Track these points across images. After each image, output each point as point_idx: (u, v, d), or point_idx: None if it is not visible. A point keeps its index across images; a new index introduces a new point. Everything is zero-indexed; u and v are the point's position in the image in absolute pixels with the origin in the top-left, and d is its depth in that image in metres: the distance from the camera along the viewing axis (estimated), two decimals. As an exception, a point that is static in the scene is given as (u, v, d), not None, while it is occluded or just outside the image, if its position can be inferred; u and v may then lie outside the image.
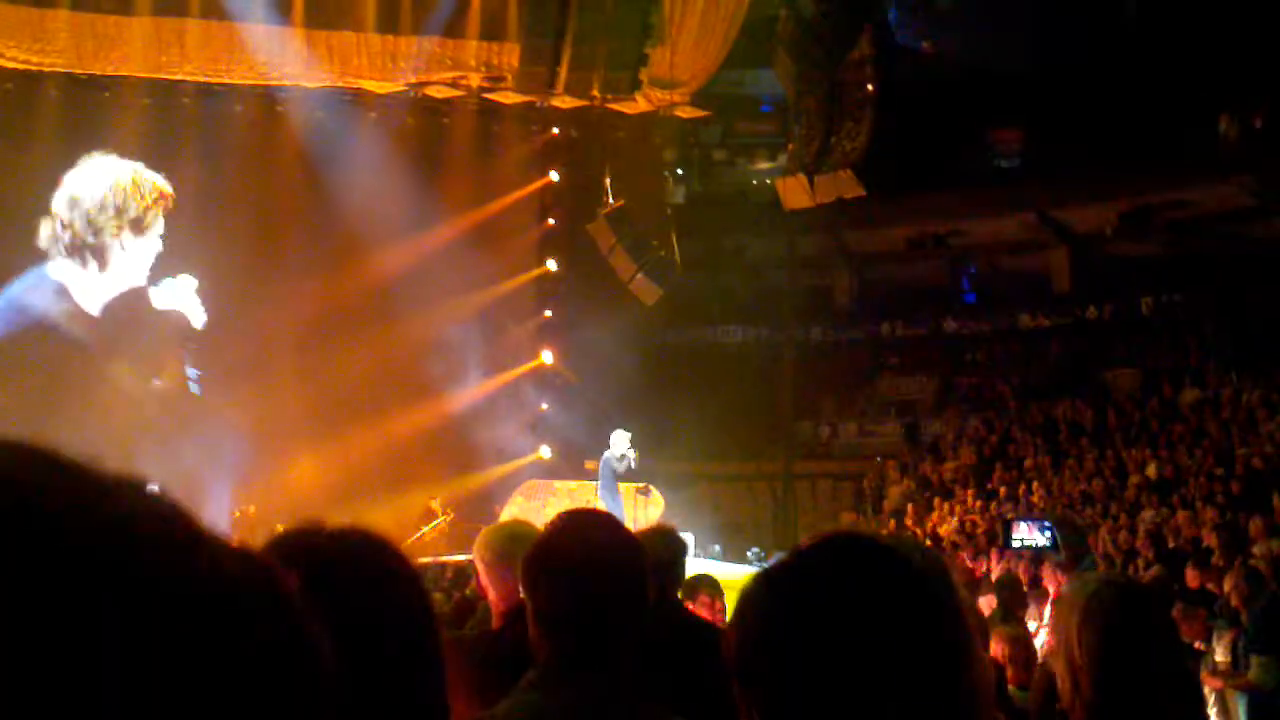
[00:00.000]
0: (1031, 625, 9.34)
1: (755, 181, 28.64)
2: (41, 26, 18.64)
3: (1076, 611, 2.46)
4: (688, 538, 17.53)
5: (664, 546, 4.21)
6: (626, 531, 2.44)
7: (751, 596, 1.40)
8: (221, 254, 17.36)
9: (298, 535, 1.48)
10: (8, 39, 18.70)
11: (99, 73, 19.38)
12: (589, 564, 2.23)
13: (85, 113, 19.17)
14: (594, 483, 19.61)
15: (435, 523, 18.43)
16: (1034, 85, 26.37)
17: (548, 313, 22.81)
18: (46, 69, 19.14)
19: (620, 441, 16.82)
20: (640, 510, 19.17)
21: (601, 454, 16.95)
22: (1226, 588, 7.48)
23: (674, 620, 4.10)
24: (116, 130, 19.33)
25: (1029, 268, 28.28)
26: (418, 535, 17.76)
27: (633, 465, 16.72)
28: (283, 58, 19.57)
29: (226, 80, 19.96)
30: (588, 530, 2.34)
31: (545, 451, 21.85)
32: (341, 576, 1.38)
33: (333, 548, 1.44)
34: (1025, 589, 11.50)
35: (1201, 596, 10.22)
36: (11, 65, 19.04)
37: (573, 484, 19.66)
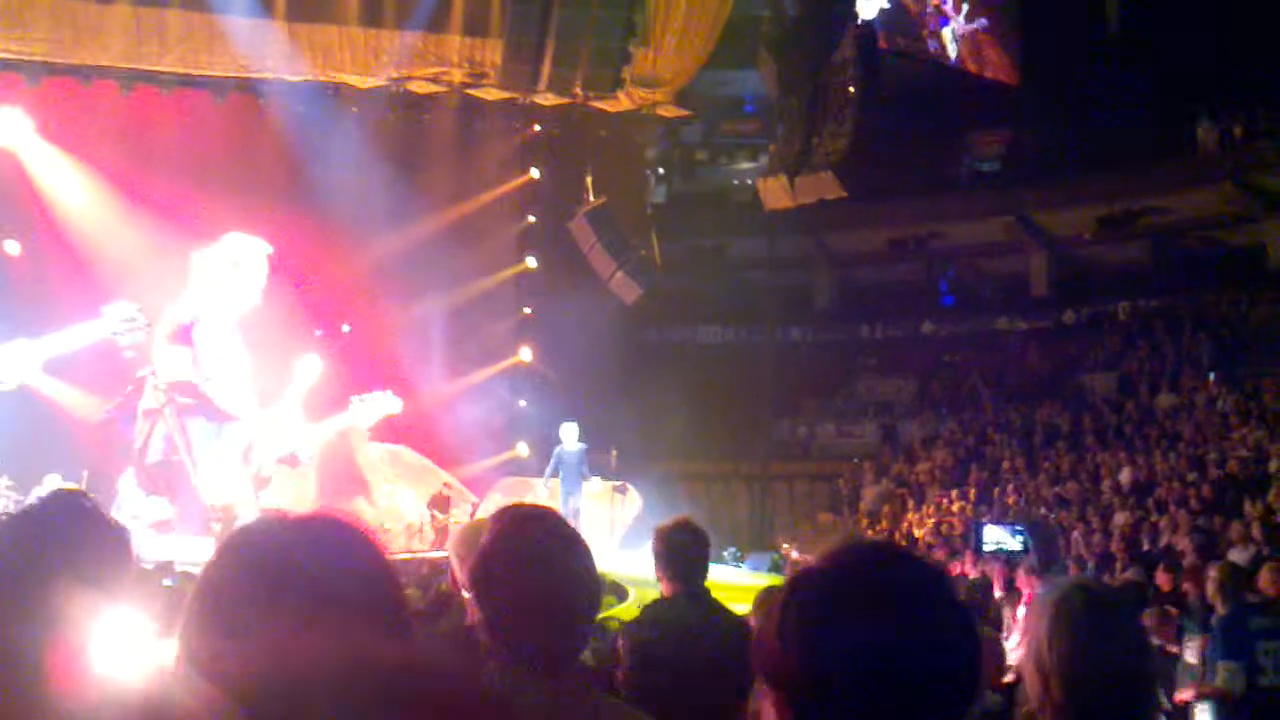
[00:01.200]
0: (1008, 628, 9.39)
1: (736, 181, 28.71)
2: (20, 14, 18.51)
3: (1046, 614, 2.47)
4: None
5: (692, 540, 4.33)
6: (569, 526, 2.42)
7: (786, 601, 1.44)
8: (199, 247, 17.29)
9: (261, 526, 1.46)
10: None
11: (78, 62, 19.26)
12: (541, 565, 2.23)
13: (63, 104, 19.07)
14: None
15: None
16: (1015, 90, 26.49)
17: (527, 310, 22.78)
18: (25, 58, 19.02)
19: (568, 434, 17.26)
20: (616, 509, 19.18)
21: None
22: (1210, 590, 7.50)
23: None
24: (93, 122, 19.28)
25: (1007, 271, 28.41)
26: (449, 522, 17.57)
27: (580, 457, 17.18)
28: (264, 51, 19.49)
29: (207, 72, 19.86)
30: (532, 529, 2.32)
31: (523, 449, 21.82)
32: (305, 566, 1.36)
33: (296, 538, 1.43)
34: (998, 592, 11.56)
35: (1174, 600, 10.29)
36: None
37: (551, 480, 19.65)
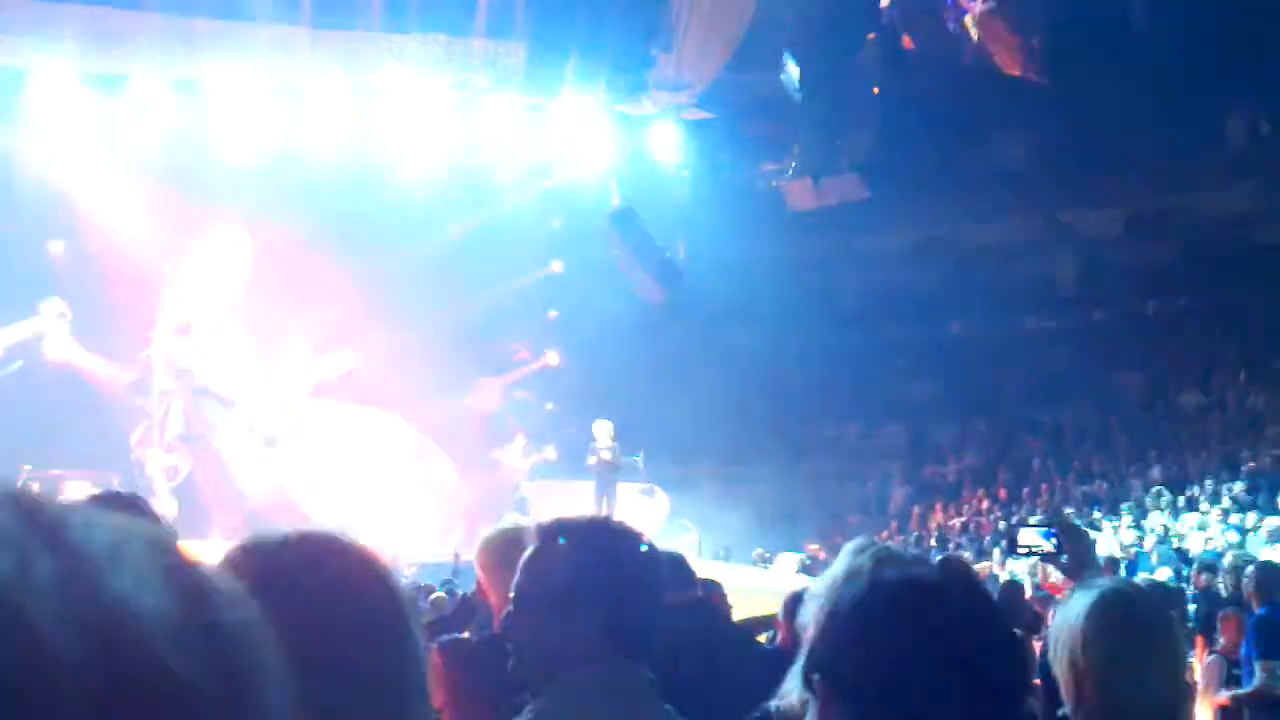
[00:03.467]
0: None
1: (760, 183, 28.64)
2: (46, 22, 18.61)
3: (1081, 617, 2.46)
4: (692, 539, 17.56)
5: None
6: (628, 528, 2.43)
7: (849, 600, 1.49)
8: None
9: (254, 544, 1.44)
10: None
11: (108, 71, 19.37)
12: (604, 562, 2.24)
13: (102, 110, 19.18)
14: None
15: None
16: (1041, 88, 26.35)
17: (553, 313, 22.80)
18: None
19: (601, 432, 17.30)
20: (645, 511, 19.17)
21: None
22: (1247, 589, 7.43)
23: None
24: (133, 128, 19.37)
25: (1035, 271, 28.25)
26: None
27: (616, 453, 17.16)
28: (290, 56, 19.57)
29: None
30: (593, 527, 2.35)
31: (550, 452, 21.84)
32: (298, 585, 1.34)
33: (290, 555, 1.41)
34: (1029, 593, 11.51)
35: (1208, 599, 10.22)
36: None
37: (578, 484, 19.67)
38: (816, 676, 1.50)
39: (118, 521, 0.58)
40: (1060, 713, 2.66)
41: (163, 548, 0.58)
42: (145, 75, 19.09)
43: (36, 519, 0.54)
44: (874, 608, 1.47)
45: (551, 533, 2.31)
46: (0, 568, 0.51)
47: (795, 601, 5.29)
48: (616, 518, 2.46)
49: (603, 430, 17.59)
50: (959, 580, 1.53)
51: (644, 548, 2.32)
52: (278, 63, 19.53)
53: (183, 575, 0.58)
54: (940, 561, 1.60)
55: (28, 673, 0.49)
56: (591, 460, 17.75)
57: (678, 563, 4.28)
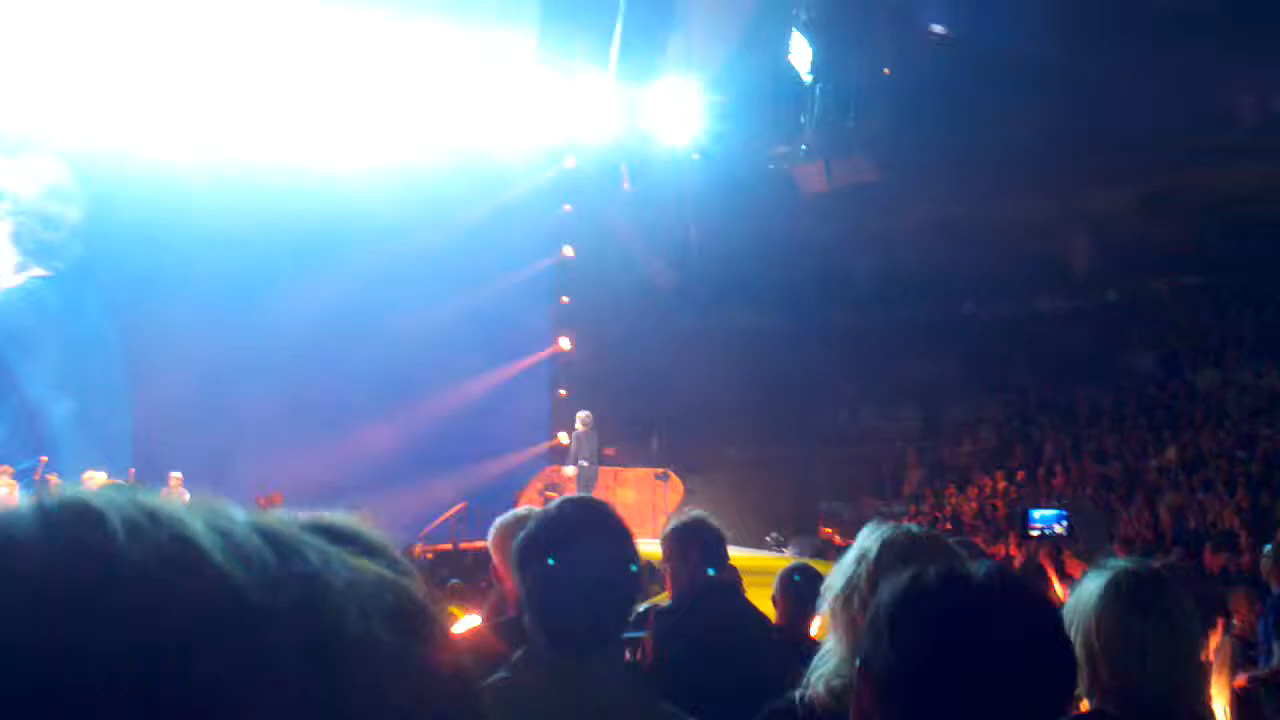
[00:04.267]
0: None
1: (773, 166, 28.58)
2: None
3: (1094, 597, 2.46)
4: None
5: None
6: (608, 511, 2.46)
7: (889, 595, 1.53)
8: (237, 248, 17.47)
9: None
10: None
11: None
12: (575, 545, 2.26)
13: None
14: (614, 468, 19.74)
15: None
16: (1053, 67, 26.21)
17: (566, 298, 22.80)
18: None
19: (581, 419, 17.36)
20: (659, 496, 19.18)
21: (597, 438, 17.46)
22: (1264, 569, 7.39)
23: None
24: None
25: (1048, 251, 28.15)
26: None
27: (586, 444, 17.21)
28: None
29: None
30: (571, 511, 2.36)
31: (564, 437, 21.87)
32: None
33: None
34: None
35: (1223, 579, 10.19)
36: None
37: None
38: (859, 667, 1.54)
39: (359, 562, 0.58)
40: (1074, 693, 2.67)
41: (401, 592, 0.59)
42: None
43: (279, 544, 0.55)
44: (912, 605, 1.50)
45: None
46: (247, 588, 0.52)
47: (788, 578, 5.33)
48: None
49: (582, 420, 17.72)
50: (1003, 581, 1.55)
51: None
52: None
53: (417, 621, 0.58)
54: (987, 565, 1.61)
55: (248, 691, 0.50)
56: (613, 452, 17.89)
57: (717, 541, 4.35)
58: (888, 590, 1.54)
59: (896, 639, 1.48)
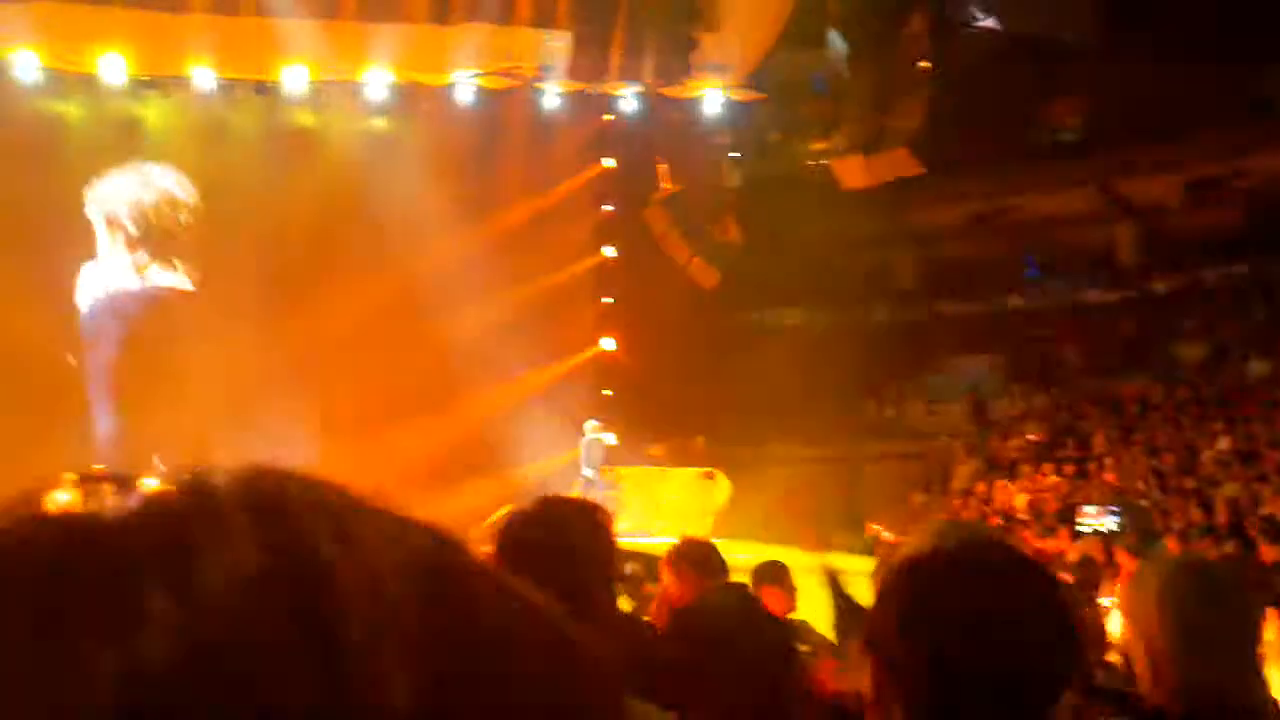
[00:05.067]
0: (1105, 600, 9.21)
1: (811, 162, 28.44)
2: (98, 26, 18.86)
3: (1154, 595, 2.39)
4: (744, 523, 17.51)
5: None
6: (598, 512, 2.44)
7: (896, 585, 1.55)
8: (275, 250, 17.56)
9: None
10: (67, 41, 18.95)
11: (154, 74, 19.59)
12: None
13: (138, 114, 19.43)
14: (657, 467, 19.71)
15: None
16: (1094, 55, 25.94)
17: (607, 299, 22.80)
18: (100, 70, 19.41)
19: (589, 429, 17.79)
20: (705, 496, 19.12)
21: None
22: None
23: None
24: (169, 131, 19.59)
25: (1093, 241, 27.90)
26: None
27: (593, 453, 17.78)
28: (335, 52, 19.69)
29: (277, 77, 20.11)
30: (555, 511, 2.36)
31: (609, 438, 21.84)
32: None
33: None
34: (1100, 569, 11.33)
35: (1278, 570, 10.02)
36: (72, 69, 19.31)
37: (637, 469, 19.65)
38: (870, 651, 1.56)
39: None
40: (1130, 691, 2.59)
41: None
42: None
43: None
44: (911, 588, 1.52)
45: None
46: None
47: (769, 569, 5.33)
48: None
49: (590, 428, 17.96)
50: (1001, 559, 1.54)
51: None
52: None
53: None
54: (985, 542, 1.63)
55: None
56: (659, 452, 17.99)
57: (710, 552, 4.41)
58: (888, 579, 1.57)
59: (898, 624, 1.50)
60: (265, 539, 0.42)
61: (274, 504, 0.44)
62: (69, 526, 0.43)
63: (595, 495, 16.66)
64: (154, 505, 0.44)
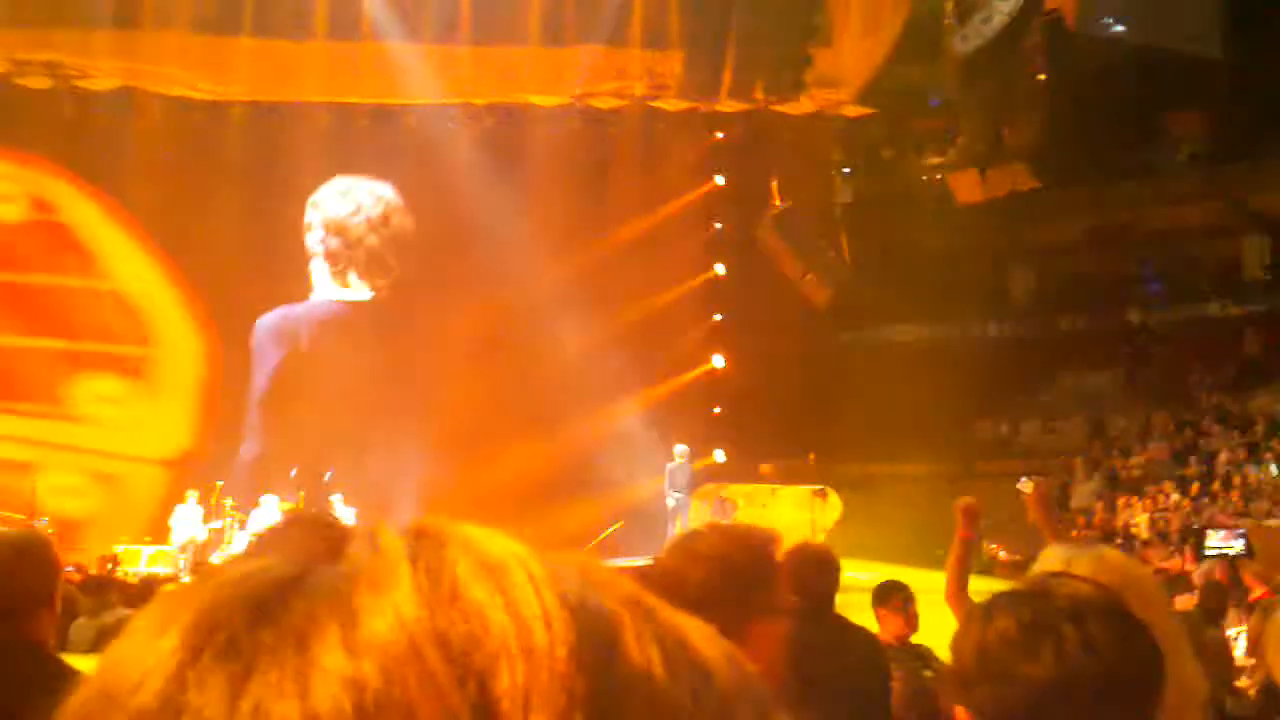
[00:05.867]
0: (1231, 631, 8.97)
1: (925, 177, 28.17)
2: (224, 55, 19.42)
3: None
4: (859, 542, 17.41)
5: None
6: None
7: (983, 622, 1.52)
8: (397, 267, 17.86)
9: None
10: (196, 70, 19.56)
11: (278, 99, 20.10)
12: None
13: (266, 139, 19.94)
14: (770, 485, 19.61)
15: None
16: (1219, 67, 25.34)
17: (718, 316, 22.78)
18: (231, 99, 19.98)
19: (679, 453, 17.64)
20: (817, 513, 18.98)
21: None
22: None
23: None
24: (296, 155, 20.09)
25: (1218, 255, 27.20)
26: None
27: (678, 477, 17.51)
28: (449, 75, 20.02)
29: (399, 100, 20.49)
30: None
31: (719, 455, 21.78)
32: None
33: None
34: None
35: None
36: (201, 96, 19.91)
37: (747, 487, 19.56)
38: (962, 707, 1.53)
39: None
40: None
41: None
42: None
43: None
44: (993, 645, 1.49)
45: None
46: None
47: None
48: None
49: (678, 454, 17.87)
50: (1084, 610, 1.51)
51: None
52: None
53: None
54: (1074, 594, 1.59)
55: None
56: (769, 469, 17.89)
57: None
58: (969, 632, 1.54)
59: (983, 679, 1.48)
60: (428, 598, 0.44)
61: (435, 561, 0.46)
62: (280, 580, 0.45)
63: (680, 520, 16.70)
64: (333, 557, 0.47)
